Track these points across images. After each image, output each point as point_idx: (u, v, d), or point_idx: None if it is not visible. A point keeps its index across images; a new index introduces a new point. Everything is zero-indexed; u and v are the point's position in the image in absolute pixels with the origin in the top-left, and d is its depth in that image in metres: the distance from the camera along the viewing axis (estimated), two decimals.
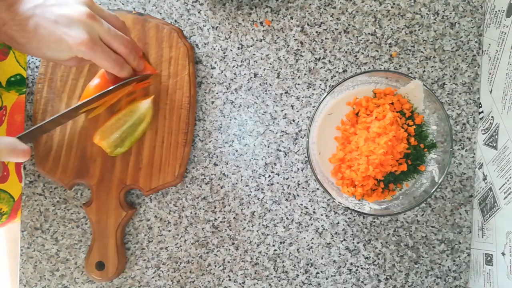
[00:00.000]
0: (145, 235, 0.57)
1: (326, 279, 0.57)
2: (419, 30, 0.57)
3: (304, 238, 0.57)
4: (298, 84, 0.57)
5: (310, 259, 0.57)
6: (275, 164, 0.57)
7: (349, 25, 0.57)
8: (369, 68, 0.57)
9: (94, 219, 0.55)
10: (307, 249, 0.57)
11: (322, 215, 0.57)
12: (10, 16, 0.42)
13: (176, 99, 0.55)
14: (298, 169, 0.57)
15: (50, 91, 0.55)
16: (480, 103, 0.57)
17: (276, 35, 0.57)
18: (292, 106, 0.57)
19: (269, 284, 0.57)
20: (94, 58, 0.44)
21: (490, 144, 0.54)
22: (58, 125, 0.53)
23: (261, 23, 0.57)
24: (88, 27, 0.43)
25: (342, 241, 0.57)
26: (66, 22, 0.43)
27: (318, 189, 0.57)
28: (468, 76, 0.57)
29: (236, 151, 0.57)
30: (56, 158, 0.55)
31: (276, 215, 0.57)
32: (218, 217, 0.57)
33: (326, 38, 0.57)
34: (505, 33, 0.51)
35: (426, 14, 0.57)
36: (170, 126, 0.55)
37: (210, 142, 0.57)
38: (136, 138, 0.54)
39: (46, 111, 0.55)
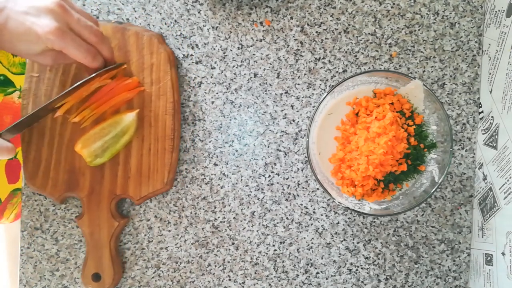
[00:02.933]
0: (145, 235, 0.57)
1: (326, 279, 0.57)
2: (419, 30, 0.57)
3: (304, 238, 0.57)
4: (298, 84, 0.57)
5: (310, 259, 0.57)
6: (275, 164, 0.57)
7: (349, 25, 0.57)
8: (369, 68, 0.57)
9: (87, 231, 0.55)
10: (307, 249, 0.57)
11: (322, 215, 0.57)
12: None
13: (160, 105, 0.55)
14: (298, 169, 0.57)
15: (35, 106, 0.55)
16: (480, 103, 0.57)
17: (276, 35, 0.57)
18: (292, 106, 0.57)
19: (269, 284, 0.57)
20: (64, 47, 0.44)
21: (490, 144, 0.54)
22: (38, 119, 0.53)
23: (261, 23, 0.57)
24: (57, 16, 0.43)
25: (342, 241, 0.57)
26: (35, 12, 0.43)
27: (318, 189, 0.57)
28: (468, 76, 0.57)
29: (236, 151, 0.57)
30: (46, 173, 0.55)
31: (276, 215, 0.57)
32: (218, 217, 0.57)
33: (326, 38, 0.57)
34: (505, 33, 0.51)
35: (426, 14, 0.57)
36: (156, 133, 0.55)
37: (210, 142, 0.57)
38: (117, 150, 0.54)
39: (33, 126, 0.55)
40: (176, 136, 0.55)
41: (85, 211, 0.55)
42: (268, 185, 0.57)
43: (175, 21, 0.58)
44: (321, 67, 0.57)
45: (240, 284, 0.57)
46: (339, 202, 0.48)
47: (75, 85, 0.50)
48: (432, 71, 0.57)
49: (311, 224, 0.57)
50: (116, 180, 0.55)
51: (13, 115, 0.67)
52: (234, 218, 0.57)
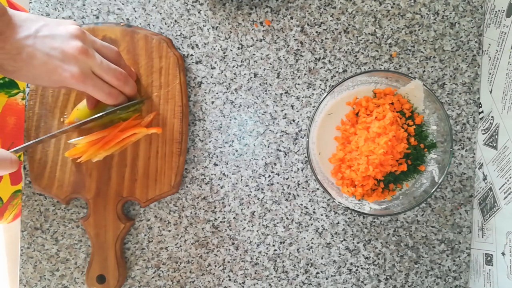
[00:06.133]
0: (145, 235, 0.57)
1: (326, 279, 0.57)
2: (419, 30, 0.57)
3: (304, 238, 0.57)
4: (298, 84, 0.57)
5: (310, 259, 0.57)
6: (275, 164, 0.57)
7: (349, 25, 0.57)
8: (369, 68, 0.57)
9: (92, 233, 0.55)
10: (307, 249, 0.57)
11: (322, 215, 0.57)
12: None
13: (168, 109, 0.55)
14: (298, 169, 0.57)
15: (42, 107, 0.55)
16: (480, 103, 0.57)
17: (276, 35, 0.57)
18: (292, 106, 0.57)
19: (269, 284, 0.57)
20: (85, 90, 0.46)
21: (490, 144, 0.54)
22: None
23: (261, 23, 0.57)
24: (80, 63, 0.44)
25: (342, 241, 0.57)
26: (59, 56, 0.44)
27: (318, 189, 0.57)
28: (468, 76, 0.57)
29: (236, 151, 0.57)
30: (52, 174, 0.55)
31: (276, 215, 0.57)
32: (218, 217, 0.57)
33: (326, 38, 0.57)
34: (505, 33, 0.51)
35: (426, 14, 0.57)
36: (164, 136, 0.55)
37: (210, 142, 0.57)
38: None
39: (39, 127, 0.55)
40: (184, 139, 0.55)
41: (91, 212, 0.55)
42: (268, 185, 0.57)
43: (175, 21, 0.58)
44: (321, 67, 0.57)
45: (240, 284, 0.57)
46: (339, 202, 0.48)
47: (95, 116, 0.50)
48: (432, 71, 0.57)
49: (311, 224, 0.57)
50: (123, 183, 0.55)
51: (17, 117, 0.67)
52: (234, 218, 0.57)
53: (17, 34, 0.43)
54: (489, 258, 0.53)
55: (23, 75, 0.44)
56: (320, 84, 0.57)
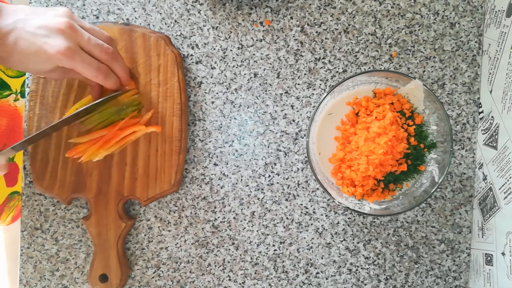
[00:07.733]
0: (145, 235, 0.57)
1: (326, 279, 0.57)
2: (419, 30, 0.57)
3: (304, 238, 0.57)
4: (298, 84, 0.57)
5: (310, 259, 0.57)
6: (275, 164, 0.57)
7: (349, 25, 0.57)
8: (369, 68, 0.57)
9: (94, 232, 0.55)
10: (307, 249, 0.57)
11: (322, 215, 0.57)
12: None
13: (167, 106, 0.55)
14: (298, 169, 0.57)
15: (42, 107, 0.55)
16: (480, 103, 0.57)
17: (276, 35, 0.57)
18: (292, 106, 0.57)
19: (269, 284, 0.57)
20: (74, 66, 0.45)
21: (490, 144, 0.54)
22: (46, 136, 0.53)
23: (261, 23, 0.57)
24: (67, 36, 0.44)
25: (342, 241, 0.57)
26: (45, 33, 0.43)
27: (318, 189, 0.57)
28: (468, 76, 0.57)
29: (236, 151, 0.57)
30: (53, 174, 0.55)
31: (276, 215, 0.57)
32: (218, 217, 0.57)
33: (326, 38, 0.57)
34: (505, 33, 0.51)
35: (426, 14, 0.57)
36: (164, 134, 0.55)
37: (210, 142, 0.57)
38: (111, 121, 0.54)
39: (40, 128, 0.55)
40: (183, 137, 0.55)
41: (92, 212, 0.55)
42: (268, 185, 0.57)
43: (175, 21, 0.58)
44: (321, 67, 0.57)
45: (240, 284, 0.57)
46: (339, 202, 0.48)
47: (90, 104, 0.50)
48: (432, 71, 0.57)
49: (311, 224, 0.57)
50: (124, 181, 0.55)
51: (9, 118, 0.67)
52: (234, 218, 0.57)
53: (5, 22, 0.43)
54: (489, 258, 0.53)
55: (15, 60, 0.44)
56: (320, 84, 0.57)
